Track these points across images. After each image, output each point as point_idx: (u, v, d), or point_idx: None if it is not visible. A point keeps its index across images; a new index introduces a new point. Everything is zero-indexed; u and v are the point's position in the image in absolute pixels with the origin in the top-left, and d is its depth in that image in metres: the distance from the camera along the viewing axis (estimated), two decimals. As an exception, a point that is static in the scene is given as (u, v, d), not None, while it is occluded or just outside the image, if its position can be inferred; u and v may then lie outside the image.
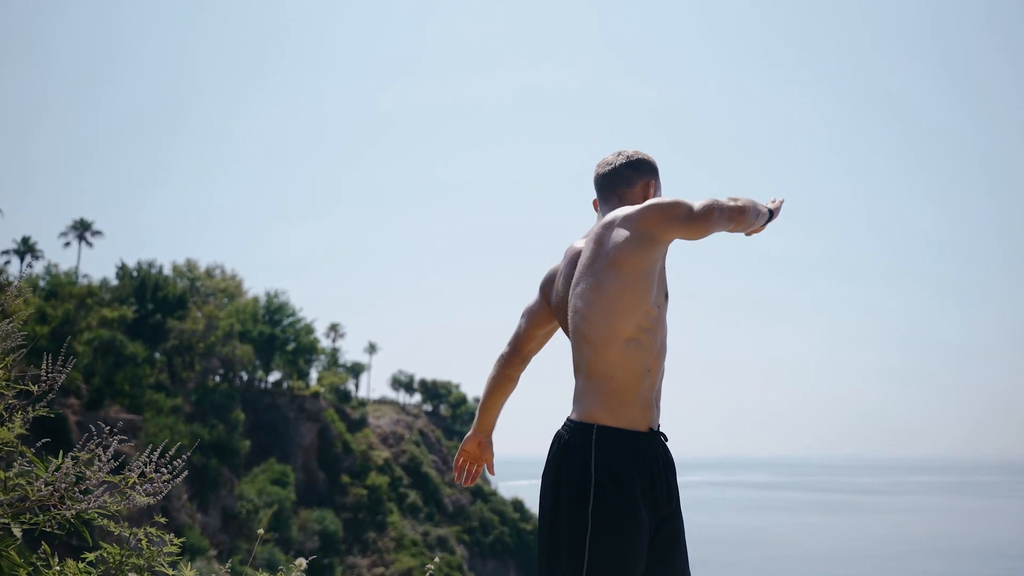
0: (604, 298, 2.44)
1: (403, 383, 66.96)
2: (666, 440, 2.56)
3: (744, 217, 2.55)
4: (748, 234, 2.73)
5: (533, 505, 60.92)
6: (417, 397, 67.57)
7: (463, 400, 69.15)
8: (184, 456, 2.09)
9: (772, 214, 2.71)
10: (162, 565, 2.56)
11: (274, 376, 52.18)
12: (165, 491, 2.07)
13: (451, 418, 67.51)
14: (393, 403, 63.61)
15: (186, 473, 2.09)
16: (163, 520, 2.67)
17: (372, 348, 64.96)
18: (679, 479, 2.60)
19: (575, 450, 2.41)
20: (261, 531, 2.66)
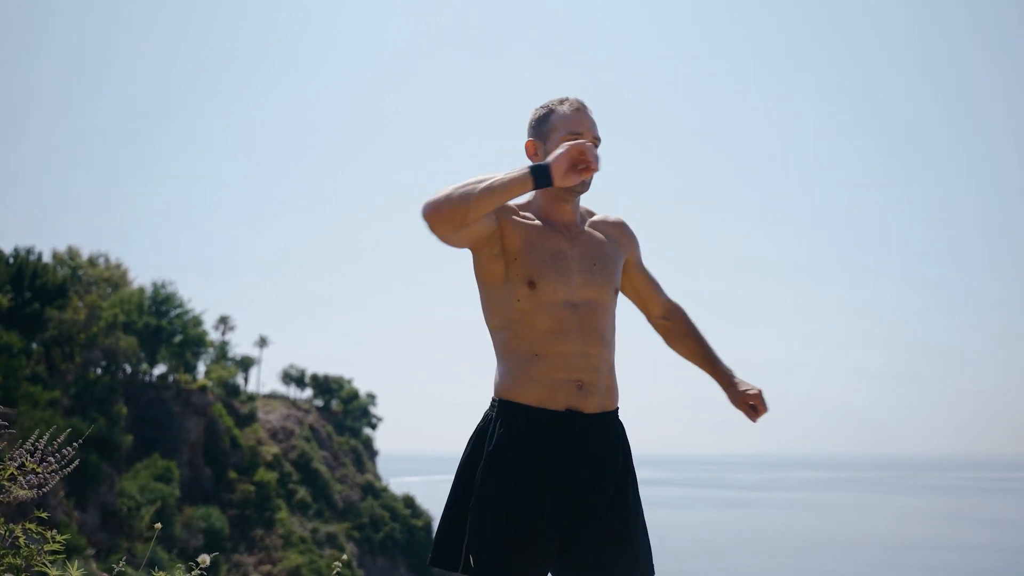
0: (480, 298, 2.52)
1: (294, 378, 65.81)
2: (599, 423, 2.42)
3: (480, 188, 2.22)
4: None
5: (424, 501, 60.66)
6: (308, 392, 66.53)
7: (355, 395, 68.38)
8: (74, 444, 1.88)
9: (545, 169, 2.26)
10: (43, 564, 2.33)
11: (159, 369, 50.59)
12: (51, 483, 1.86)
13: (343, 413, 66.66)
14: (283, 398, 62.42)
15: (77, 463, 1.89)
16: (45, 515, 2.43)
17: (263, 342, 63.65)
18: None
19: (482, 423, 2.44)
20: (158, 525, 2.46)
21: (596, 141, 2.47)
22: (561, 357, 2.37)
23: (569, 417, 2.36)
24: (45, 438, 1.89)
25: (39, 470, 1.91)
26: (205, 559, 2.16)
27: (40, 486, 1.89)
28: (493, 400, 2.44)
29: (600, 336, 2.43)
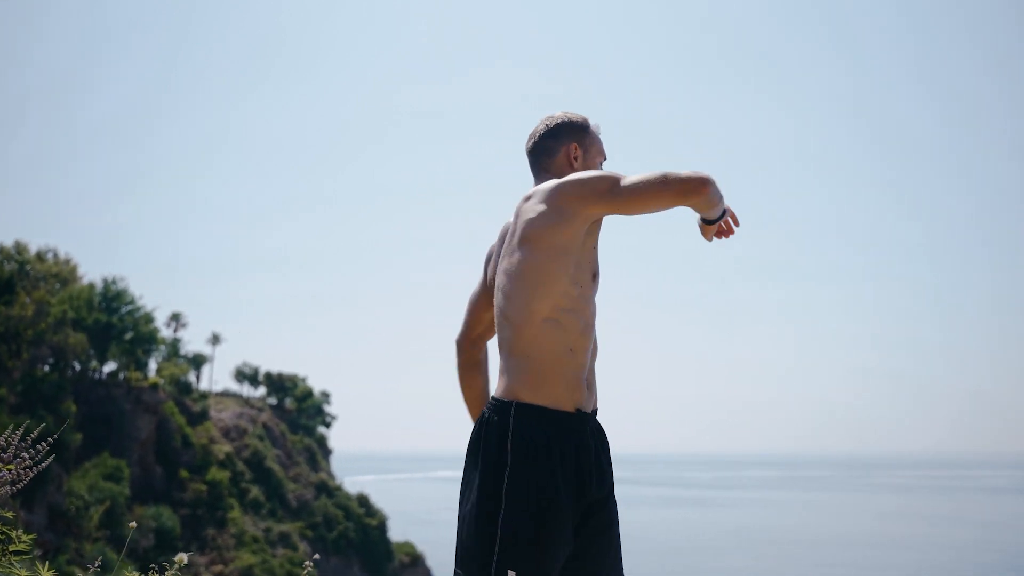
0: (520, 275, 2.35)
1: (247, 375, 65.15)
2: (598, 423, 2.46)
3: (703, 190, 2.30)
4: (707, 235, 2.50)
5: (378, 500, 60.42)
6: (262, 390, 65.90)
7: (309, 394, 67.89)
8: (49, 440, 1.81)
9: (725, 212, 2.47)
10: (10, 565, 2.26)
11: (110, 366, 49.78)
12: (25, 480, 1.80)
13: (296, 412, 66.17)
14: (236, 396, 61.79)
15: (53, 457, 1.83)
16: (11, 515, 2.36)
17: (215, 339, 62.89)
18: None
19: (494, 427, 2.33)
20: (133, 524, 2.39)
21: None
22: (584, 353, 2.39)
23: (580, 418, 2.37)
24: (18, 434, 1.83)
25: (11, 468, 1.84)
26: (183, 558, 2.11)
27: (13, 483, 1.83)
28: (502, 403, 2.35)
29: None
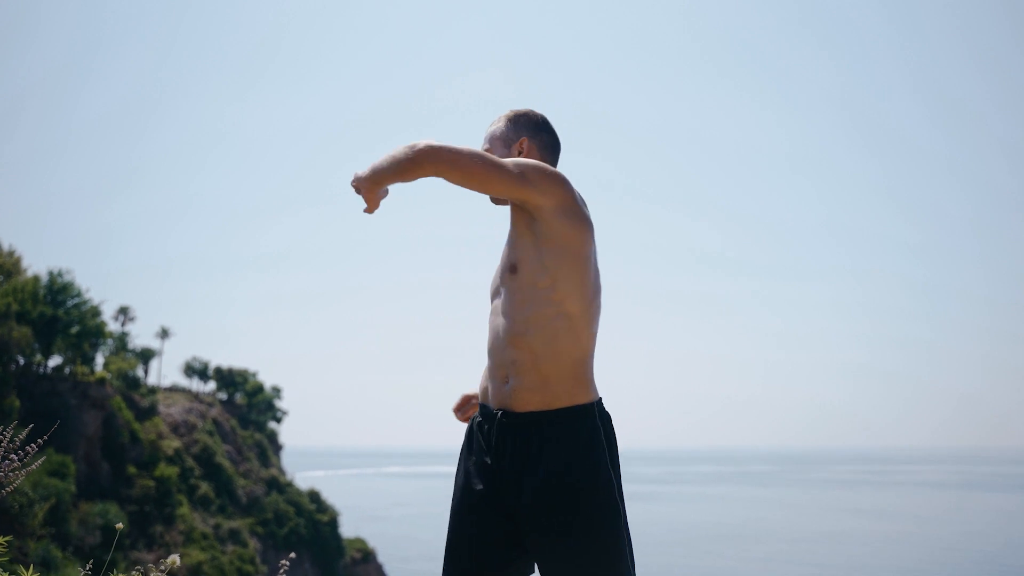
0: None
1: (197, 370, 64.34)
2: (521, 429, 2.30)
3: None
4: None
5: (329, 496, 60.13)
6: (212, 385, 65.15)
7: (260, 389, 67.26)
8: (40, 440, 1.78)
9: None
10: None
11: (55, 360, 48.82)
12: (16, 482, 1.76)
13: (247, 407, 65.54)
14: (186, 391, 60.99)
15: (42, 459, 1.79)
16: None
17: (164, 333, 62.01)
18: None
19: None
20: (120, 525, 2.35)
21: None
22: (492, 353, 2.36)
23: (495, 416, 2.32)
24: (8, 435, 1.79)
25: (-3, 468, 1.80)
26: (175, 560, 2.08)
27: (1, 486, 1.79)
28: None
29: (508, 327, 2.30)
